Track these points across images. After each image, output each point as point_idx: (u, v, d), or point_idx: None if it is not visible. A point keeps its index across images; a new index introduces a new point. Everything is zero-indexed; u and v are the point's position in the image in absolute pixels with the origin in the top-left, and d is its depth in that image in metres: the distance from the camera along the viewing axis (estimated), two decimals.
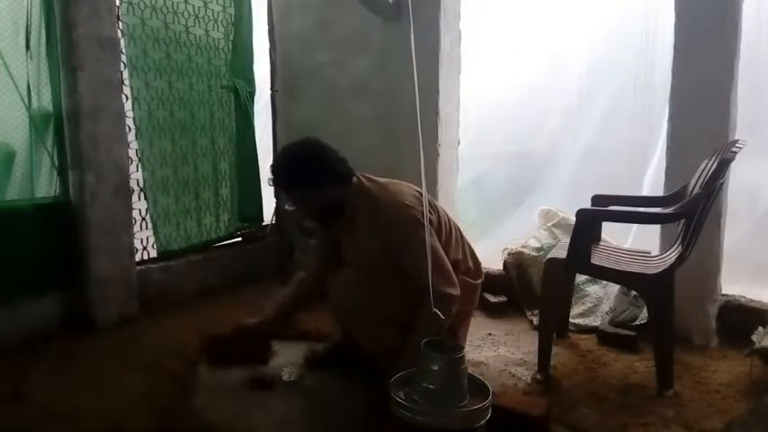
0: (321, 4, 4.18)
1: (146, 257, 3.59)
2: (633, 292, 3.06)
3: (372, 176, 2.34)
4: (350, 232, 2.28)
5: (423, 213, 2.08)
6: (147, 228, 3.60)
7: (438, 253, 2.14)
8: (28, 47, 2.87)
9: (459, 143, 3.93)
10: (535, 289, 3.37)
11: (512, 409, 1.99)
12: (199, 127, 3.84)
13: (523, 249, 3.54)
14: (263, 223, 4.42)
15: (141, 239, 3.56)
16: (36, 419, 2.10)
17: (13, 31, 2.84)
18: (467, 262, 2.45)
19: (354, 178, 2.26)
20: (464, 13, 3.81)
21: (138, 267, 3.39)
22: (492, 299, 3.49)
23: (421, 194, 2.24)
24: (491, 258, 3.70)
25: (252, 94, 4.21)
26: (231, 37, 4.00)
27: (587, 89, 3.97)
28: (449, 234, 2.36)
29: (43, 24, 2.94)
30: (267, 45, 4.46)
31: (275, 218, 4.51)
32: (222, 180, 4.05)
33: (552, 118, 4.11)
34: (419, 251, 1.99)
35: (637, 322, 3.00)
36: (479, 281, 2.50)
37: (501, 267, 3.63)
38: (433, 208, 2.34)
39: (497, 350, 2.88)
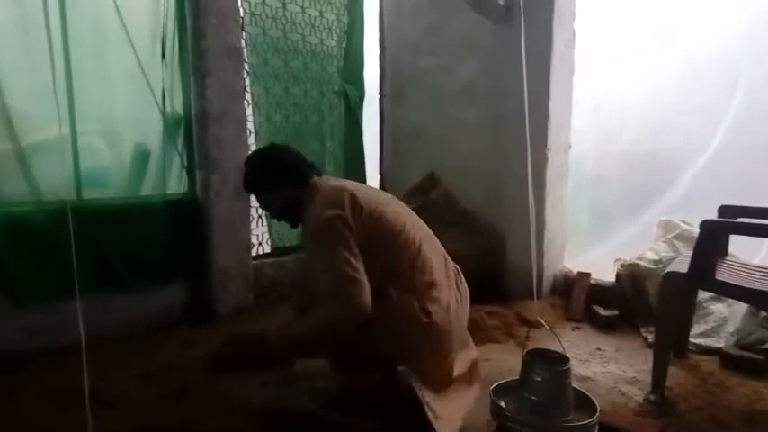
0: (431, 9, 4.21)
1: (260, 253, 3.82)
2: (763, 313, 2.78)
3: (333, 180, 2.27)
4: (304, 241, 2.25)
5: (338, 216, 1.95)
6: (262, 225, 3.82)
7: (330, 256, 1.91)
8: (163, 56, 3.16)
9: (570, 147, 3.79)
10: (651, 304, 3.16)
11: (621, 428, 1.89)
12: (311, 131, 4.02)
13: (639, 261, 3.33)
14: None
15: (257, 236, 3.78)
16: (161, 395, 2.31)
17: (150, 42, 3.13)
18: (417, 280, 2.06)
19: (314, 179, 2.21)
20: (583, 9, 3.65)
21: (254, 262, 3.61)
22: (602, 312, 3.32)
23: (366, 195, 2.10)
24: (600, 268, 3.52)
25: (361, 99, 4.34)
26: (344, 44, 4.15)
27: (723, 85, 3.65)
28: (378, 236, 2.05)
29: (176, 35, 3.23)
30: (377, 51, 4.57)
31: None
32: None
33: (683, 116, 3.82)
34: (312, 257, 2.01)
35: (766, 346, 2.72)
36: (429, 319, 2.01)
37: (612, 279, 3.45)
38: (356, 208, 2.03)
39: (607, 366, 2.74)
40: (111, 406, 2.14)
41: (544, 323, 1.99)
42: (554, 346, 1.95)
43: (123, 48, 3.00)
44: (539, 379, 1.76)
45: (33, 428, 2.06)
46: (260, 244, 3.83)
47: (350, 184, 2.15)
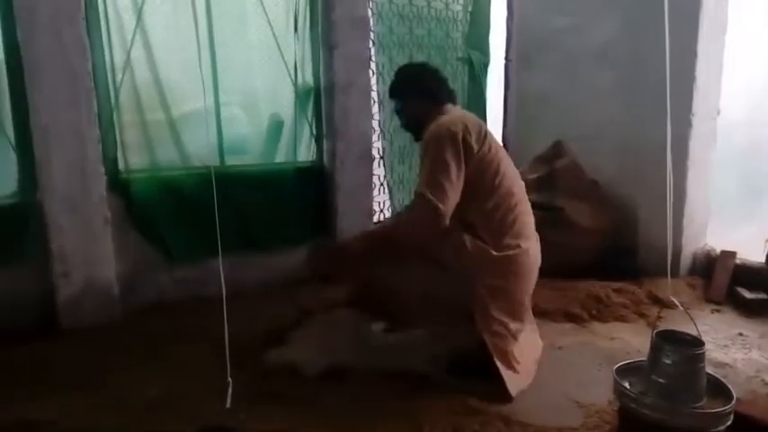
0: None
1: (382, 219, 3.93)
2: None
3: (462, 112, 2.39)
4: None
5: (457, 132, 2.08)
6: (383, 192, 3.93)
7: (438, 162, 2.05)
8: (296, 29, 3.31)
9: (719, 113, 3.43)
10: None
11: (759, 420, 1.74)
12: None
13: None
14: None
15: (378, 203, 3.89)
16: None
17: (285, 16, 3.29)
18: (494, 220, 2.16)
19: (449, 105, 2.33)
20: None
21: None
22: (747, 294, 3.03)
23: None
24: (748, 248, 3.21)
25: (486, 65, 4.24)
26: (470, 8, 4.06)
27: None
28: (485, 169, 2.16)
29: (308, 8, 3.36)
30: (504, 14, 4.41)
31: None
32: None
33: None
34: (425, 158, 2.09)
35: None
36: (500, 253, 2.11)
37: (762, 260, 3.12)
38: (480, 136, 2.16)
39: (748, 353, 2.51)
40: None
41: (678, 303, 1.85)
42: (688, 328, 1.82)
43: (260, 22, 3.18)
44: (668, 362, 1.66)
45: (188, 365, 2.35)
46: (381, 211, 3.94)
47: (472, 119, 2.25)
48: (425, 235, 2.07)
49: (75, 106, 2.64)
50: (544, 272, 2.41)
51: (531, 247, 2.25)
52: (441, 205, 1.99)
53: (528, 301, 2.33)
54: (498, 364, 2.07)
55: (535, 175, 3.70)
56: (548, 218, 3.53)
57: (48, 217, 2.66)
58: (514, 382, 2.09)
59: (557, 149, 3.87)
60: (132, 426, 1.91)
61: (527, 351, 2.25)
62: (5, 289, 2.65)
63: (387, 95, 3.67)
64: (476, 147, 2.11)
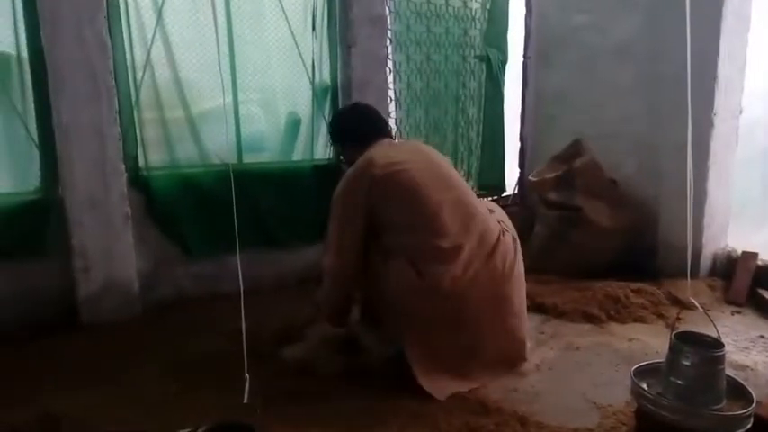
0: None
1: None
2: None
3: (395, 143, 2.50)
4: None
5: (351, 191, 2.19)
6: None
7: (333, 219, 2.22)
8: (314, 27, 3.32)
9: (741, 112, 3.37)
10: None
11: None
12: (451, 97, 4.00)
13: None
14: (504, 193, 4.44)
15: None
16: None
17: (303, 15, 3.31)
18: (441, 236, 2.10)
19: (380, 140, 2.36)
20: None
21: None
22: None
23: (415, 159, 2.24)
24: None
25: (504, 62, 4.21)
26: (488, 6, 4.04)
27: None
28: (386, 209, 2.16)
29: (326, 6, 3.37)
30: (523, 11, 4.38)
31: (518, 188, 4.49)
32: (469, 149, 4.18)
33: None
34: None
35: None
36: (449, 268, 2.06)
37: None
38: (373, 182, 2.14)
39: None
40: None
41: (698, 305, 1.83)
42: (708, 330, 1.80)
43: (278, 21, 3.20)
44: (687, 363, 1.64)
45: (205, 361, 2.38)
46: None
47: (379, 153, 2.23)
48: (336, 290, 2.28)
49: (96, 104, 2.68)
50: (562, 272, 2.39)
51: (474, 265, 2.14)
52: (327, 260, 2.24)
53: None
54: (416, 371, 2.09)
55: (553, 174, 3.68)
56: (566, 217, 3.52)
57: (69, 213, 2.70)
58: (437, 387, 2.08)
59: (575, 148, 3.83)
60: (151, 420, 1.93)
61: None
62: (28, 284, 2.71)
63: (402, 93, 3.72)
64: (365, 197, 2.15)
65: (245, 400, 1.45)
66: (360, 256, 2.19)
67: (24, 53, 2.64)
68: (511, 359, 2.30)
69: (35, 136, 2.70)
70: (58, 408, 1.97)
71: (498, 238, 2.22)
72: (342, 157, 2.63)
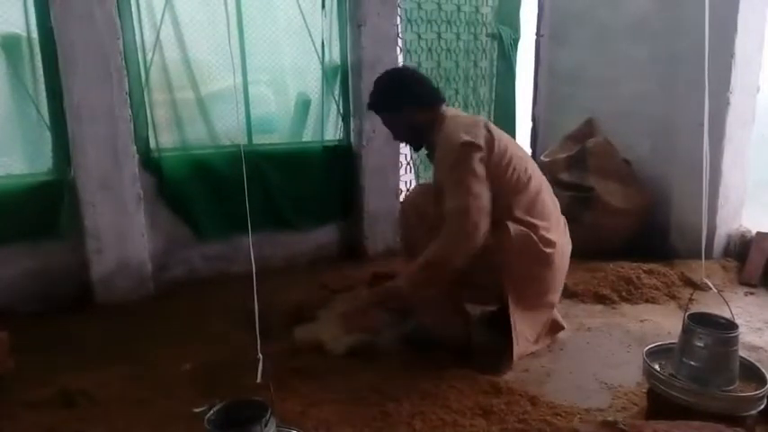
0: None
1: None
2: None
3: (457, 111, 2.38)
4: (434, 162, 2.28)
5: (471, 142, 2.05)
6: (410, 171, 3.91)
7: (459, 172, 2.04)
8: (323, 6, 3.28)
9: (759, 90, 3.30)
10: None
11: None
12: (462, 76, 3.96)
13: None
14: None
15: (405, 182, 3.88)
16: None
17: None
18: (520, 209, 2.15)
19: (443, 107, 2.25)
20: None
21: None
22: None
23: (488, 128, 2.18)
24: None
25: (516, 40, 4.16)
26: None
27: None
28: (504, 173, 2.13)
29: None
30: None
31: None
32: None
33: None
34: (442, 173, 2.10)
35: None
36: (537, 234, 2.14)
37: None
38: (490, 142, 2.11)
39: None
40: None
41: (711, 285, 1.81)
42: (722, 311, 1.78)
43: (288, 0, 3.16)
44: (700, 344, 1.63)
45: (218, 341, 2.40)
46: (408, 190, 3.92)
47: (482, 118, 2.25)
48: (468, 247, 2.01)
49: (106, 86, 2.68)
50: (574, 253, 2.39)
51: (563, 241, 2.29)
52: (475, 228, 1.99)
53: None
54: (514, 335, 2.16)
55: (565, 155, 3.64)
56: (578, 198, 3.49)
57: (81, 195, 2.72)
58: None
59: (588, 127, 3.79)
60: (165, 398, 1.97)
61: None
62: (43, 264, 2.75)
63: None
64: (486, 151, 2.08)
65: (258, 380, 1.46)
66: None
67: (34, 34, 2.64)
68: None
69: (46, 118, 2.71)
70: (74, 385, 2.00)
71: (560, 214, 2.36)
72: (392, 127, 2.32)
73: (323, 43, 3.31)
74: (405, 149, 3.80)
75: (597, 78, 3.92)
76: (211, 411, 1.40)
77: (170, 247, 3.08)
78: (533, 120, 4.47)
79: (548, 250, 2.15)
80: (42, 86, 2.69)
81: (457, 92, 3.96)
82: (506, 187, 2.12)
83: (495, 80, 4.11)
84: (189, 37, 2.94)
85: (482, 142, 2.07)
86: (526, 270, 2.14)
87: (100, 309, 2.77)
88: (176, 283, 3.06)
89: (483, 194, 2.02)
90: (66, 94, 2.63)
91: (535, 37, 4.37)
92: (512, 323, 2.15)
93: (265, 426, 1.34)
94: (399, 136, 2.39)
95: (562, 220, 2.37)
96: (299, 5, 3.17)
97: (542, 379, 2.11)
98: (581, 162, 3.54)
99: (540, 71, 4.37)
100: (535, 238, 2.12)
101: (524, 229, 2.11)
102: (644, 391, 1.88)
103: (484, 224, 2.01)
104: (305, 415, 1.82)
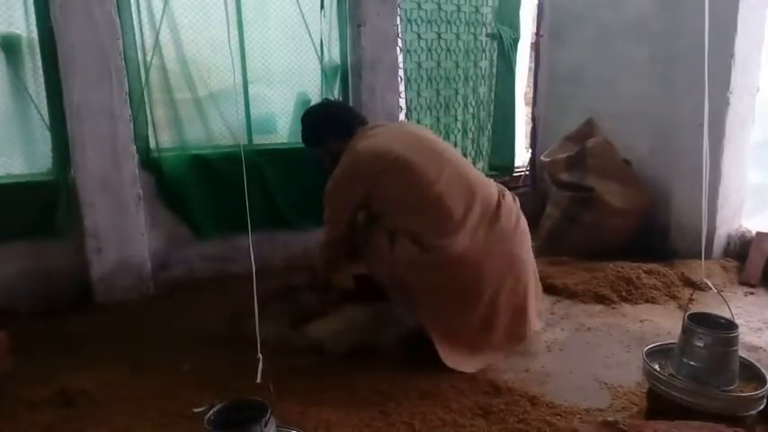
0: None
1: None
2: None
3: (379, 128, 2.42)
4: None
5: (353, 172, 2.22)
6: None
7: (328, 206, 2.31)
8: (322, 6, 3.28)
9: (758, 90, 3.30)
10: None
11: None
12: (462, 76, 3.95)
13: None
14: (514, 173, 4.41)
15: None
16: None
17: None
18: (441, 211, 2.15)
19: (358, 130, 2.36)
20: None
21: None
22: None
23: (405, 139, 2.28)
24: None
25: (516, 40, 4.16)
26: None
27: None
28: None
29: None
30: None
31: (529, 168, 4.46)
32: (480, 129, 4.14)
33: None
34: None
35: None
36: (449, 242, 2.10)
37: None
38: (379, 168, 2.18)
39: None
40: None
41: (711, 285, 1.81)
42: (722, 311, 1.78)
43: (287, 0, 3.16)
44: (700, 344, 1.63)
45: (217, 341, 2.41)
46: None
47: (369, 142, 2.27)
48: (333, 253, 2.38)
49: (106, 86, 2.68)
50: (574, 253, 2.39)
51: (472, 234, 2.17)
52: (330, 239, 2.34)
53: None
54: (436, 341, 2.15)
55: (565, 155, 3.64)
56: (578, 198, 3.49)
57: (81, 194, 2.72)
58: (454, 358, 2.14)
59: (588, 128, 3.79)
60: (164, 397, 1.97)
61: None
62: (43, 264, 2.75)
63: (413, 73, 3.68)
64: (366, 179, 2.20)
65: (258, 380, 1.46)
66: (350, 226, 2.31)
67: (34, 34, 2.64)
68: (524, 321, 2.29)
69: (46, 117, 2.71)
70: (74, 385, 2.01)
71: (499, 201, 2.27)
72: (318, 156, 2.49)
73: (322, 43, 3.31)
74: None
75: (597, 78, 3.92)
76: (211, 411, 1.40)
77: (170, 246, 3.08)
78: (533, 120, 4.47)
79: (432, 255, 2.11)
80: (42, 86, 2.69)
81: (457, 92, 3.95)
82: (394, 206, 2.21)
83: (494, 80, 4.10)
84: (188, 37, 2.94)
85: (359, 173, 2.22)
86: (425, 280, 2.14)
87: (99, 308, 2.76)
88: (176, 282, 3.06)
89: (345, 216, 2.29)
90: (65, 93, 2.63)
91: (535, 37, 4.37)
92: (428, 333, 2.15)
93: (265, 426, 1.34)
94: (326, 166, 2.44)
95: (488, 204, 2.23)
96: (299, 5, 3.17)
97: (542, 379, 2.11)
98: (581, 162, 3.54)
99: (541, 71, 4.37)
100: (416, 249, 2.12)
101: (406, 243, 2.14)
102: (644, 391, 1.88)
103: (341, 236, 2.33)
104: (305, 415, 1.82)
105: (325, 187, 2.31)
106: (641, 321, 2.61)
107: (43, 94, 2.70)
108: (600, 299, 2.85)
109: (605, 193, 3.42)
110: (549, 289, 2.94)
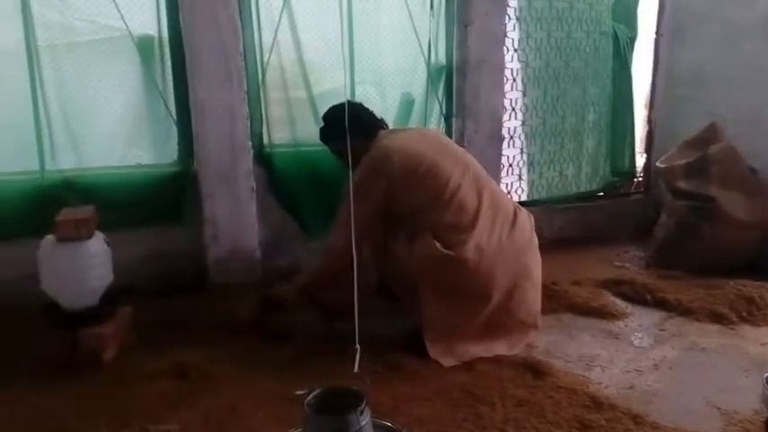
0: None
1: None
2: None
3: (391, 135, 2.46)
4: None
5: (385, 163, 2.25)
6: (512, 174, 3.82)
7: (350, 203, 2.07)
8: (432, 6, 3.29)
9: None
10: None
11: None
12: (572, 76, 3.80)
13: None
14: (635, 178, 4.21)
15: (506, 184, 3.79)
16: None
17: None
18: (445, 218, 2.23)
19: (380, 133, 2.44)
20: None
21: None
22: None
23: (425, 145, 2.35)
24: None
25: (632, 39, 3.95)
26: None
27: None
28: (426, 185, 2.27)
29: None
30: None
31: (643, 175, 4.23)
32: (589, 131, 3.96)
33: None
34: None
35: None
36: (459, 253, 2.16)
37: None
38: (406, 159, 2.27)
39: None
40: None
41: None
42: None
43: (397, 1, 3.21)
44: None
45: (318, 329, 2.49)
46: (508, 192, 3.84)
47: (393, 141, 2.36)
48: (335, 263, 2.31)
49: (227, 84, 2.87)
50: (689, 267, 2.24)
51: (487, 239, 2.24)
52: (330, 244, 2.35)
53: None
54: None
55: (684, 161, 3.40)
56: (697, 208, 3.25)
57: (202, 186, 2.93)
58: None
59: (711, 133, 3.51)
60: (267, 379, 2.08)
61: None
62: (167, 247, 2.99)
63: (519, 73, 3.60)
64: (386, 182, 2.26)
65: (355, 369, 1.51)
66: (363, 241, 2.28)
67: (165, 35, 2.87)
68: (525, 330, 2.40)
69: (173, 113, 2.95)
70: (188, 359, 2.18)
71: (515, 212, 2.39)
72: (339, 152, 2.42)
73: (429, 43, 3.33)
74: (507, 150, 3.72)
75: (722, 80, 3.63)
76: (311, 396, 1.46)
77: (278, 237, 3.23)
78: (649, 123, 4.22)
79: (450, 252, 2.17)
80: (170, 83, 2.93)
81: (565, 92, 3.81)
82: (416, 203, 2.29)
83: (609, 81, 3.91)
84: (304, 38, 3.06)
85: (385, 170, 2.26)
86: (443, 277, 2.20)
87: (214, 289, 2.96)
88: (282, 270, 3.19)
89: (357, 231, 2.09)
90: (191, 91, 2.85)
91: (654, 36, 4.11)
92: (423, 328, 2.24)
93: (361, 414, 1.39)
94: (345, 163, 2.35)
95: (504, 212, 2.34)
96: (408, 6, 3.21)
97: (647, 398, 2.00)
98: (702, 170, 3.29)
99: (659, 72, 4.12)
100: (438, 245, 2.18)
101: (428, 239, 2.20)
102: (762, 420, 1.73)
103: (346, 248, 2.05)
104: (397, 410, 1.85)
105: (344, 186, 2.22)
106: (762, 345, 2.40)
107: (171, 91, 2.93)
108: (717, 318, 2.64)
109: (728, 203, 3.16)
110: (660, 304, 2.78)
